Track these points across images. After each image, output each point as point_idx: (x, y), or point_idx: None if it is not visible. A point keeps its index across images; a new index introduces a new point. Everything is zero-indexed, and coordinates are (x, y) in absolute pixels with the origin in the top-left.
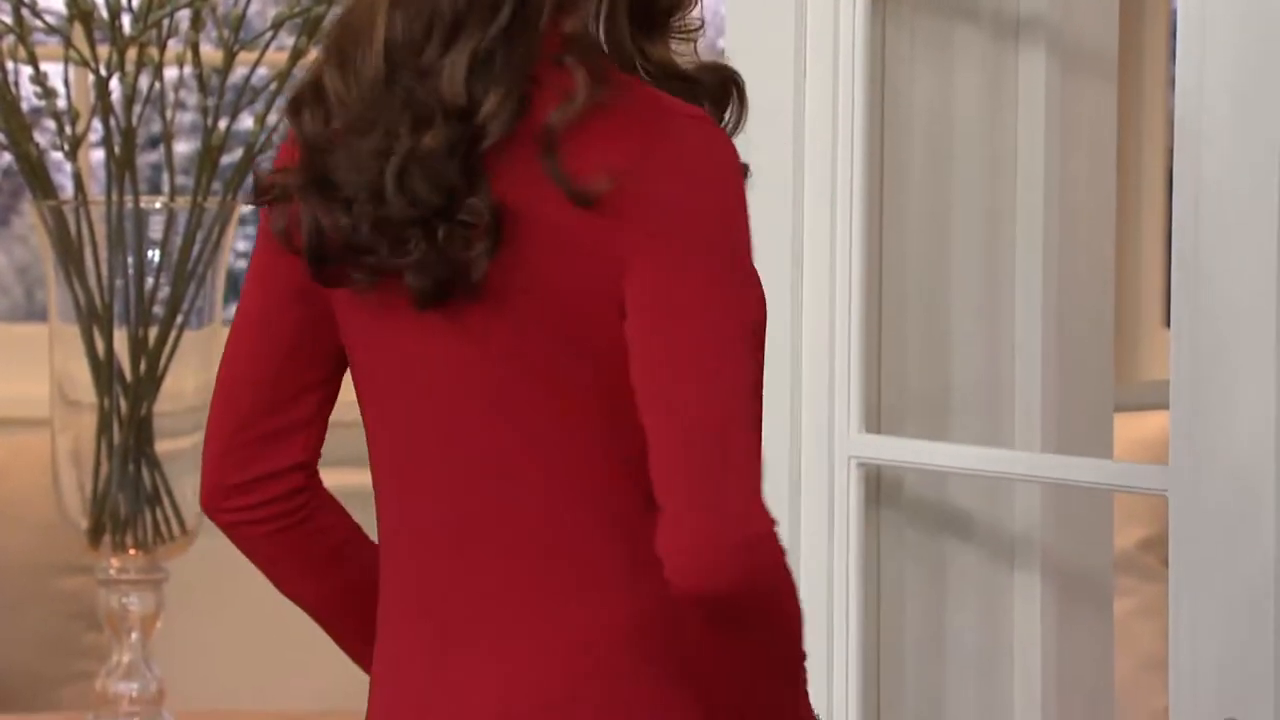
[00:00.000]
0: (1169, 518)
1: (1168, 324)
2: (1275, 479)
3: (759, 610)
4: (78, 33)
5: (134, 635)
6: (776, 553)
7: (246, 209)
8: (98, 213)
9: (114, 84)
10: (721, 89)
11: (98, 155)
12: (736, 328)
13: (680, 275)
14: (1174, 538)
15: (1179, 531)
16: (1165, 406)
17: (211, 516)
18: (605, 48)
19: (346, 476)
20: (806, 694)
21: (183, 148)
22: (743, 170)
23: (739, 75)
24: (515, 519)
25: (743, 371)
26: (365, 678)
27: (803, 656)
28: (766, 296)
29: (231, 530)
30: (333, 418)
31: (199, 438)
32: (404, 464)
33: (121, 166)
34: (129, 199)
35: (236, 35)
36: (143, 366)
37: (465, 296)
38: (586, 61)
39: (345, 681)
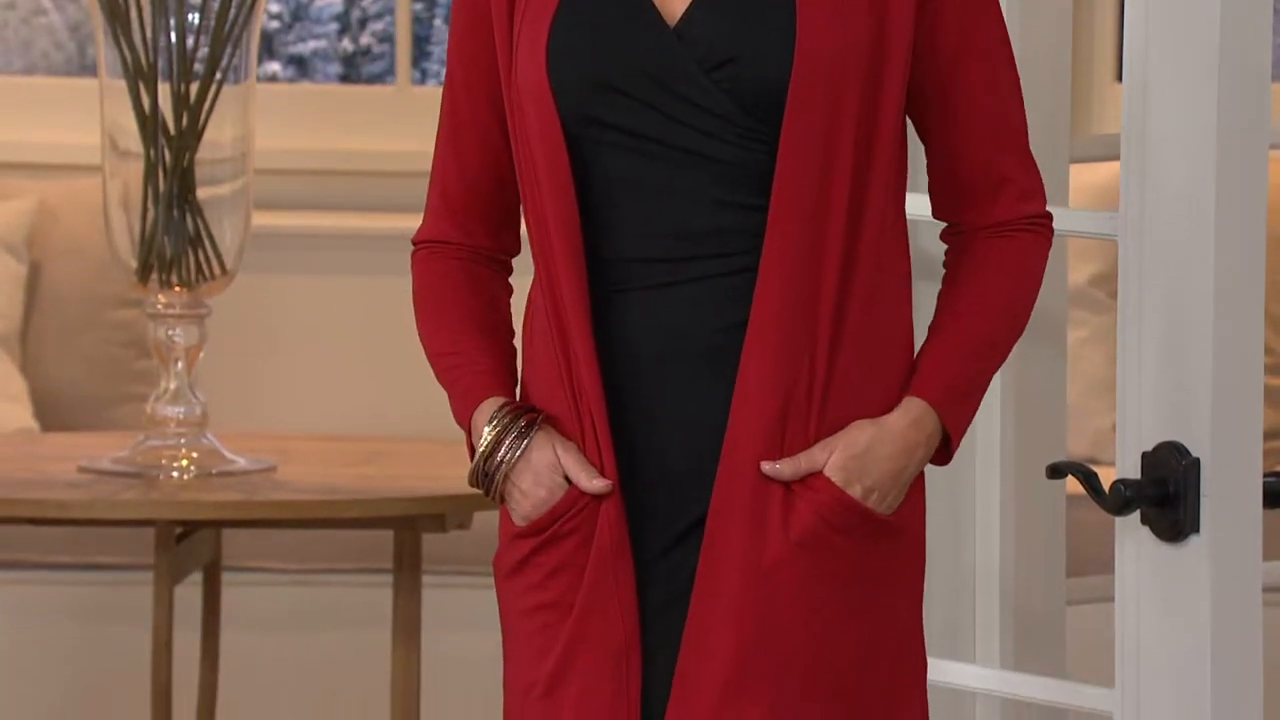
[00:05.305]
0: (1119, 259)
1: (1119, 80)
2: (1214, 222)
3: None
4: None
5: (179, 364)
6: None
7: None
8: None
9: None
10: None
11: None
12: None
13: None
14: (1123, 277)
15: (1127, 271)
16: (1116, 158)
17: None
18: None
19: None
20: None
21: None
22: None
23: None
24: None
25: None
26: (382, 402)
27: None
28: None
29: None
30: None
31: (237, 185)
32: None
33: None
34: None
35: None
36: (184, 120)
37: None
38: None
39: (365, 405)
